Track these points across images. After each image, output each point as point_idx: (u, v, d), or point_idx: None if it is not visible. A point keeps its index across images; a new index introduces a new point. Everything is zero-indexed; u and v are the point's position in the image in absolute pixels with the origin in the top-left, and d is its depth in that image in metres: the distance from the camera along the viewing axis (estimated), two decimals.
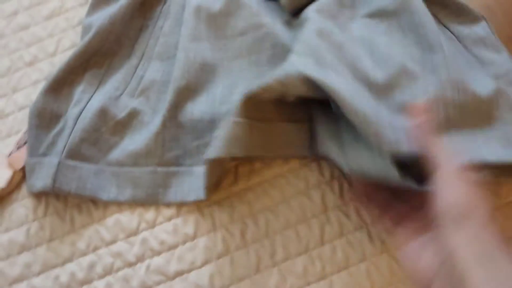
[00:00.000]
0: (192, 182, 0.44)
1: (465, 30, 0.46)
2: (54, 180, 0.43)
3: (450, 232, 0.28)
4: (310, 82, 0.37)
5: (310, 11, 0.45)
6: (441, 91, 0.40)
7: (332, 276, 0.41)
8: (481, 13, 0.47)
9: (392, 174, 0.33)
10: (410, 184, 0.33)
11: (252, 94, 0.39)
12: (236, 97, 0.44)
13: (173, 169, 0.45)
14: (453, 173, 0.30)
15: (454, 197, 0.29)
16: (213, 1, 0.48)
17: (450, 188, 0.29)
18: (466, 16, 0.46)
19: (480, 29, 0.46)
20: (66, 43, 0.53)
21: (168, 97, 0.45)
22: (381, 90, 0.40)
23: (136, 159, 0.45)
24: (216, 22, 0.48)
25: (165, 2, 0.51)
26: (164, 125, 0.45)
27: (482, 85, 0.42)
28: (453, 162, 0.30)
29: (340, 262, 0.42)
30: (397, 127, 0.36)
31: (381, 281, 0.41)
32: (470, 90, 0.41)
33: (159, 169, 0.45)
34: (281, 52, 0.46)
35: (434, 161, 0.31)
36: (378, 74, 0.41)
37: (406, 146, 0.35)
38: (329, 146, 0.40)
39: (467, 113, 0.41)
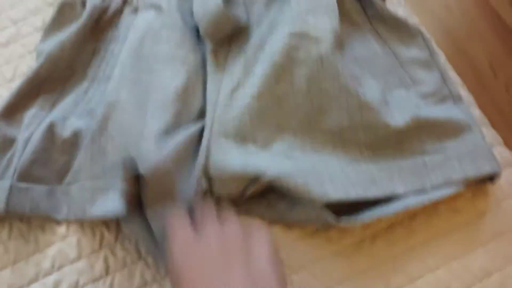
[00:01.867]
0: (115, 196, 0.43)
1: (401, 47, 0.49)
2: (7, 204, 0.44)
3: None
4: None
5: None
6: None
7: None
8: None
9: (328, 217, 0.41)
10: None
11: None
12: (167, 117, 0.45)
13: (99, 182, 0.45)
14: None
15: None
16: (159, 27, 0.50)
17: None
18: (404, 32, 0.49)
19: (415, 48, 0.48)
20: (23, 68, 0.54)
21: (99, 111, 0.46)
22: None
23: (75, 176, 0.46)
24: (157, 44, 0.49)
25: (116, 26, 0.52)
26: (93, 139, 0.45)
27: (397, 115, 0.44)
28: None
29: None
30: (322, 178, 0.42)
31: None
32: (381, 120, 0.44)
33: (87, 183, 0.45)
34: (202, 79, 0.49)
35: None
36: None
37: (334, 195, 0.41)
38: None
39: (379, 141, 0.44)
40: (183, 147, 0.44)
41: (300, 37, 0.45)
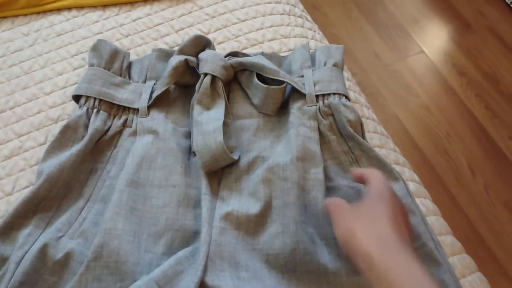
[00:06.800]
0: None
1: None
2: None
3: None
4: None
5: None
6: None
7: None
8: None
9: None
10: None
11: None
12: (160, 249, 0.48)
13: None
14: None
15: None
16: (155, 153, 0.53)
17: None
18: (388, 173, 0.53)
19: (400, 191, 0.51)
20: (23, 182, 0.56)
21: (95, 238, 0.47)
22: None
23: None
24: (153, 170, 0.53)
25: (115, 147, 0.56)
26: (88, 266, 0.46)
27: None
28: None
29: None
30: None
31: None
32: None
33: None
34: (194, 202, 0.52)
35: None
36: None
37: None
38: None
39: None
40: (172, 270, 0.46)
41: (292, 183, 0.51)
